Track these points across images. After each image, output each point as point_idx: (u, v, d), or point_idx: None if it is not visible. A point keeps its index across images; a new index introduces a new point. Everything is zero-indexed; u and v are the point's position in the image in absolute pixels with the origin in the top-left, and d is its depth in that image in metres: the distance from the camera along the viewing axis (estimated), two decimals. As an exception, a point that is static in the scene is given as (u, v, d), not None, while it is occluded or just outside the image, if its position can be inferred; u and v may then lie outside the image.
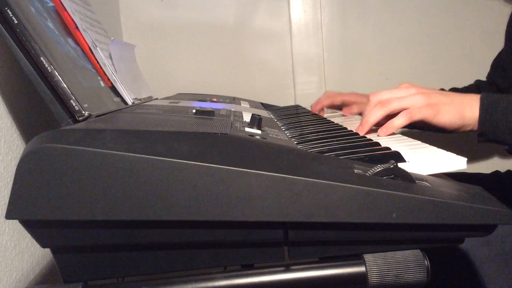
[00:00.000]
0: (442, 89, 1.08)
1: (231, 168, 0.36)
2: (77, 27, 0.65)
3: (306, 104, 1.16)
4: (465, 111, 0.65)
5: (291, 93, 1.41)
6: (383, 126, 0.66)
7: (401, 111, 0.65)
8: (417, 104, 0.64)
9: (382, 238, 0.42)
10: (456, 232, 0.41)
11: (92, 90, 0.60)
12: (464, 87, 1.11)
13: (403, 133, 0.69)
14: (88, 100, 0.53)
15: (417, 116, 0.63)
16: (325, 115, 1.01)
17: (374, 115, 0.66)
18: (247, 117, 0.65)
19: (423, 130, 1.07)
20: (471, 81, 1.12)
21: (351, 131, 0.69)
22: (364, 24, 1.40)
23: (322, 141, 0.61)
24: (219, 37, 1.38)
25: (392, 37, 1.40)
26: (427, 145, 0.58)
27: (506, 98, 0.63)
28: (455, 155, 0.51)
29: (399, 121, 0.64)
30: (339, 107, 1.09)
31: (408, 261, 0.41)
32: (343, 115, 1.03)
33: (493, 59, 1.11)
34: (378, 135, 0.66)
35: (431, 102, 0.64)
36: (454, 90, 1.10)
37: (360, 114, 1.06)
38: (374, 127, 0.68)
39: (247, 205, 0.36)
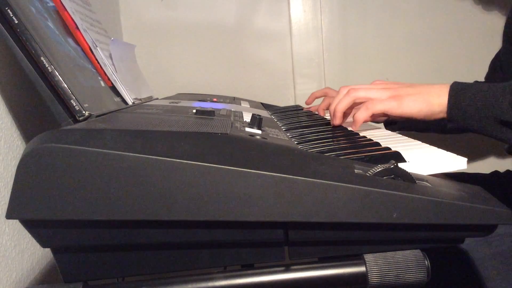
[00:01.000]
0: None
1: (232, 168, 0.36)
2: (77, 27, 0.65)
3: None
4: (432, 98, 0.66)
5: (291, 93, 1.41)
6: (352, 122, 0.68)
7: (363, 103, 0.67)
8: (381, 96, 0.67)
9: (382, 238, 0.42)
10: (456, 232, 0.41)
11: (92, 90, 0.60)
12: None
13: (403, 132, 0.69)
14: (89, 100, 0.53)
15: (378, 107, 0.65)
16: (325, 116, 1.01)
17: (341, 103, 0.69)
18: (247, 117, 0.65)
19: (431, 132, 1.07)
20: (470, 82, 1.12)
21: (351, 131, 0.69)
22: (364, 24, 1.40)
23: (322, 141, 0.61)
24: (219, 37, 1.38)
25: (392, 37, 1.40)
26: (427, 145, 0.58)
27: (475, 85, 0.64)
28: (455, 155, 0.51)
29: (362, 114, 0.66)
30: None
31: (408, 261, 0.41)
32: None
33: (491, 60, 1.11)
34: (353, 130, 0.68)
35: (395, 94, 0.66)
36: None
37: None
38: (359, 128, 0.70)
39: (247, 205, 0.36)
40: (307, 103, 1.15)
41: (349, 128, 0.72)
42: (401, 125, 1.02)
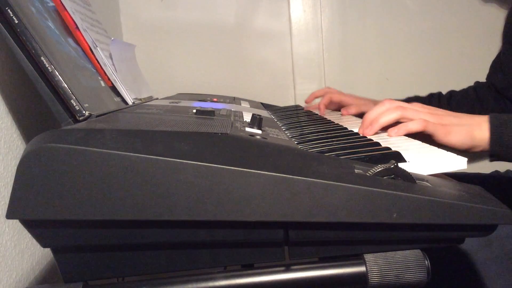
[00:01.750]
0: (450, 92, 1.08)
1: (232, 168, 0.36)
2: (77, 27, 0.65)
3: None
4: (475, 132, 0.66)
5: (291, 93, 1.41)
6: (395, 126, 0.66)
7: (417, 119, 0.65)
8: (432, 120, 0.65)
9: (383, 238, 0.42)
10: (456, 232, 0.41)
11: (92, 90, 0.60)
12: (462, 89, 1.11)
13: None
14: (89, 100, 0.53)
15: (431, 128, 0.64)
16: (325, 115, 1.01)
17: (387, 117, 0.66)
18: (247, 117, 0.65)
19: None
20: (471, 82, 1.12)
21: (351, 131, 0.69)
22: (364, 24, 1.40)
23: (322, 141, 0.61)
24: (219, 37, 1.38)
25: (392, 37, 1.40)
26: (428, 145, 0.58)
27: None
28: (455, 155, 0.51)
29: (415, 125, 0.64)
30: (336, 105, 1.09)
31: (409, 261, 0.41)
32: (342, 115, 1.03)
33: (492, 60, 1.11)
34: (388, 135, 0.66)
35: (443, 122, 0.66)
36: (451, 93, 1.10)
37: (360, 115, 1.07)
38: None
39: (247, 205, 0.36)
40: (306, 102, 1.15)
41: (349, 128, 0.72)
42: None
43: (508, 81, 1.02)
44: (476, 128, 0.66)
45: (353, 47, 1.40)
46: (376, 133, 0.67)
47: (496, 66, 1.08)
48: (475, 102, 1.07)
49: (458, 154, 0.64)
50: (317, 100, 1.14)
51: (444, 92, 1.11)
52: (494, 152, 0.66)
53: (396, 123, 0.66)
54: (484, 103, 1.06)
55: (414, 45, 1.40)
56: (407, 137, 0.65)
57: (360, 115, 1.04)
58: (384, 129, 0.67)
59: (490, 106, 1.05)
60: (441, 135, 0.65)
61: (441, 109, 0.69)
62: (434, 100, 1.09)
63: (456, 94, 1.10)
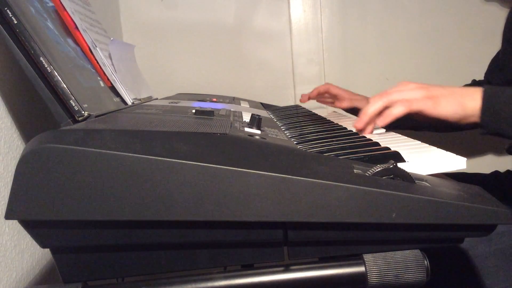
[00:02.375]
0: None
1: (231, 168, 0.36)
2: (76, 27, 0.65)
3: (306, 104, 1.17)
4: (466, 101, 0.64)
5: (291, 93, 1.41)
6: (382, 114, 0.65)
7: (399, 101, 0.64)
8: (417, 96, 0.64)
9: (382, 238, 0.42)
10: (456, 232, 0.41)
11: (91, 90, 0.60)
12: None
13: (403, 132, 0.69)
14: (88, 100, 0.53)
15: (416, 106, 0.63)
16: (325, 115, 1.01)
17: (372, 106, 0.65)
18: (246, 117, 0.65)
19: (429, 131, 1.07)
20: (470, 82, 1.13)
21: (351, 131, 0.69)
22: (364, 24, 1.40)
23: (321, 141, 0.61)
24: (219, 37, 1.38)
25: (392, 37, 1.40)
26: (427, 145, 0.58)
27: (508, 90, 0.63)
28: (454, 155, 0.51)
29: (398, 110, 0.63)
30: (333, 98, 1.10)
31: (408, 261, 0.41)
32: (334, 106, 1.04)
33: (492, 58, 1.11)
34: (377, 124, 0.65)
35: (430, 94, 0.64)
36: None
37: (353, 110, 1.08)
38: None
39: (247, 205, 0.36)
40: (309, 97, 1.14)
41: (349, 128, 0.72)
42: (395, 124, 1.02)
43: (506, 79, 1.02)
44: (468, 97, 0.64)
45: (353, 47, 1.40)
46: (376, 132, 0.67)
47: (495, 64, 1.08)
48: None
49: (450, 124, 0.62)
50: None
51: None
52: (484, 122, 0.63)
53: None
54: None
55: (414, 45, 1.40)
56: (406, 137, 0.65)
57: (356, 112, 1.06)
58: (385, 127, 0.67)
59: None
60: (430, 108, 0.63)
61: (428, 84, 0.67)
62: None
63: None
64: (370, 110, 0.65)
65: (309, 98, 1.13)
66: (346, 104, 1.04)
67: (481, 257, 0.74)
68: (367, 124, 0.66)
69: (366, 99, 1.05)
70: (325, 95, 1.13)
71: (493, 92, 0.63)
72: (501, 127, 0.63)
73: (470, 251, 0.75)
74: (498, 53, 1.08)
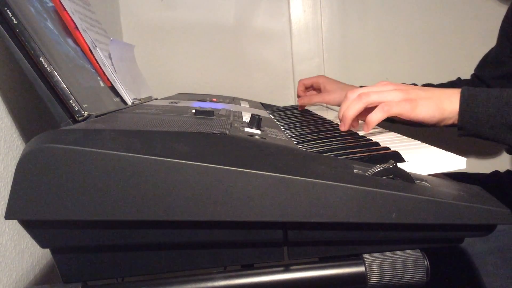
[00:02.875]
0: (427, 85, 1.09)
1: (231, 168, 0.36)
2: (76, 27, 0.65)
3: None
4: (444, 104, 0.64)
5: (291, 93, 1.41)
6: (364, 123, 0.66)
7: (378, 105, 0.64)
8: (395, 99, 0.64)
9: (382, 238, 0.42)
10: (456, 232, 0.41)
11: (91, 90, 0.60)
12: (440, 83, 1.12)
13: (401, 133, 0.69)
14: (88, 100, 0.53)
15: (394, 110, 0.63)
16: (325, 115, 1.01)
17: (352, 109, 0.66)
18: (246, 117, 0.65)
19: (405, 125, 1.08)
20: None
21: (351, 131, 0.69)
22: (364, 24, 1.40)
23: (321, 141, 0.61)
24: (219, 37, 1.38)
25: (392, 37, 1.40)
26: (427, 145, 0.58)
27: (486, 91, 0.63)
28: (454, 155, 0.51)
29: (377, 115, 0.63)
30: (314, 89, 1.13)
31: (408, 261, 0.41)
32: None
33: (486, 53, 1.12)
34: (365, 132, 0.66)
35: (408, 97, 0.64)
36: (428, 85, 1.11)
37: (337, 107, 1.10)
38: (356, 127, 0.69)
39: (247, 205, 0.36)
40: (298, 93, 1.15)
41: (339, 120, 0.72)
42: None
43: (501, 74, 1.03)
44: (446, 100, 0.64)
45: (353, 47, 1.40)
46: (376, 132, 0.67)
47: (487, 59, 1.09)
48: None
49: (427, 127, 0.62)
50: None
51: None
52: (462, 123, 0.64)
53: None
54: None
55: (414, 45, 1.40)
56: (406, 137, 0.65)
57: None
58: (380, 125, 0.67)
59: None
60: (408, 111, 0.63)
61: (408, 85, 0.68)
62: None
63: (433, 86, 1.11)
64: (349, 113, 0.66)
65: (303, 104, 1.14)
66: (305, 101, 1.07)
67: (480, 255, 0.74)
68: (351, 125, 0.68)
69: (345, 90, 1.08)
70: (311, 91, 1.14)
71: (470, 94, 0.63)
72: (479, 130, 0.63)
73: (469, 249, 0.75)
74: (490, 50, 1.09)
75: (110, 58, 0.74)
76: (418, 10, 1.39)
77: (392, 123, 0.90)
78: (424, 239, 0.42)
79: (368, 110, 0.65)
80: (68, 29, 0.64)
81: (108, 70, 0.71)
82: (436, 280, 0.47)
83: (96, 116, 0.52)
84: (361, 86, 0.87)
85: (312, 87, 1.13)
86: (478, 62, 1.13)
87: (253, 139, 0.47)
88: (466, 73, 1.14)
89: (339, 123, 0.79)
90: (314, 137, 0.65)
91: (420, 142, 0.60)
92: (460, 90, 0.65)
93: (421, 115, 0.64)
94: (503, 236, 0.74)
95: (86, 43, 0.66)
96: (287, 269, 0.41)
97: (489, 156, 1.42)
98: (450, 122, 0.65)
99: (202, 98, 0.97)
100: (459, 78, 1.13)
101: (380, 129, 0.73)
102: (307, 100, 1.08)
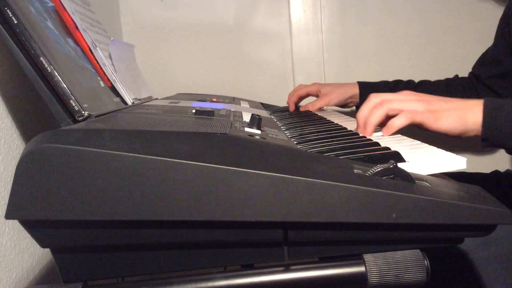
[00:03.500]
0: (423, 81, 1.09)
1: (231, 168, 0.36)
2: (77, 27, 0.65)
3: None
4: (467, 116, 0.64)
5: (291, 93, 1.40)
6: (385, 126, 0.65)
7: (401, 112, 0.64)
8: (418, 109, 0.64)
9: (382, 238, 0.42)
10: (456, 232, 0.41)
11: (92, 90, 0.60)
12: (436, 80, 1.12)
13: (403, 132, 0.69)
14: (88, 100, 0.53)
15: (418, 118, 0.63)
16: (325, 116, 1.01)
17: (375, 116, 0.65)
18: (246, 117, 0.65)
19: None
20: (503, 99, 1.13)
21: (351, 131, 0.69)
22: (364, 24, 1.40)
23: (321, 141, 0.61)
24: (219, 37, 1.38)
25: (392, 37, 1.40)
26: (427, 145, 0.58)
27: (509, 103, 0.63)
28: (454, 155, 0.51)
29: (400, 121, 0.63)
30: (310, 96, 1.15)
31: (408, 261, 0.41)
32: (341, 114, 1.04)
33: (483, 52, 1.12)
34: (382, 135, 0.66)
35: (431, 108, 0.64)
36: (422, 82, 1.12)
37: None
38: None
39: (247, 205, 0.36)
40: (292, 101, 1.16)
41: (349, 128, 0.72)
42: None
43: (498, 73, 1.03)
44: (469, 112, 0.64)
45: (353, 47, 1.40)
46: (378, 133, 0.67)
47: (485, 58, 1.09)
48: (442, 94, 1.08)
49: (451, 139, 0.62)
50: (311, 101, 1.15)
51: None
52: (485, 135, 0.64)
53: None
54: (451, 95, 1.06)
55: (414, 45, 1.40)
56: (406, 137, 0.65)
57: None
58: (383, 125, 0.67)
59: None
60: (430, 122, 0.63)
61: (430, 95, 0.68)
62: (400, 86, 1.09)
63: (426, 83, 1.11)
64: (373, 120, 0.66)
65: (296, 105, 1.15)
66: (335, 98, 1.07)
67: (480, 261, 0.74)
68: (373, 131, 0.67)
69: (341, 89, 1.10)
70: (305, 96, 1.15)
71: (494, 106, 0.63)
72: (503, 141, 0.63)
73: (470, 253, 0.75)
74: (487, 49, 1.09)
75: (110, 58, 0.74)
76: (418, 10, 1.39)
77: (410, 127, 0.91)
78: (424, 239, 0.42)
79: (388, 116, 0.66)
80: (68, 29, 0.64)
81: (108, 70, 0.71)
82: (436, 280, 0.47)
83: (96, 116, 0.52)
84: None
85: (308, 96, 1.16)
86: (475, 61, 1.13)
87: (253, 139, 0.47)
88: (465, 73, 1.14)
89: (339, 123, 0.79)
90: (314, 137, 0.65)
91: (420, 142, 0.60)
92: (483, 101, 0.64)
93: (443, 127, 0.64)
94: (505, 242, 0.74)
95: (86, 43, 0.67)
96: (287, 269, 0.41)
97: (489, 156, 1.42)
98: (473, 134, 0.65)
99: (202, 98, 0.97)
100: (456, 76, 1.13)
101: (380, 129, 0.73)
102: (311, 107, 1.10)
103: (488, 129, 0.63)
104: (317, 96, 1.14)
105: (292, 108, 1.13)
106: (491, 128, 0.63)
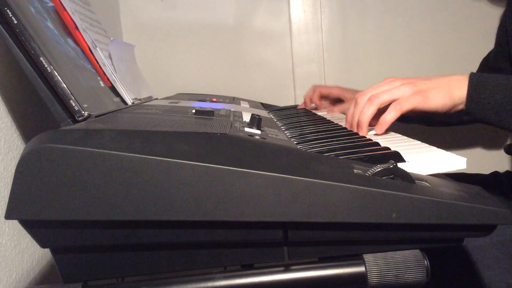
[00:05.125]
0: None
1: (231, 168, 0.36)
2: (76, 27, 0.65)
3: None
4: (454, 91, 0.65)
5: (291, 93, 1.41)
6: (377, 123, 0.66)
7: (390, 103, 0.65)
8: (405, 94, 0.64)
9: (382, 238, 0.42)
10: (456, 232, 0.41)
11: (91, 90, 0.60)
12: None
13: (403, 132, 0.69)
14: (88, 100, 0.53)
15: (407, 105, 0.64)
16: (325, 116, 1.01)
17: (366, 113, 0.66)
18: (246, 117, 0.65)
19: (416, 123, 1.07)
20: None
21: (351, 131, 0.69)
22: (364, 24, 1.40)
23: (321, 141, 0.61)
24: (219, 37, 1.38)
25: (392, 37, 1.40)
26: (427, 145, 0.58)
27: (494, 77, 0.64)
28: (454, 155, 0.51)
29: (390, 115, 0.64)
30: (329, 99, 1.14)
31: (408, 261, 0.41)
32: (340, 114, 1.04)
33: (483, 57, 1.12)
34: (376, 133, 0.66)
35: (418, 89, 0.65)
36: None
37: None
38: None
39: (247, 205, 0.36)
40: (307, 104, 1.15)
41: (349, 128, 0.72)
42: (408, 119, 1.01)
43: None
44: (455, 87, 0.65)
45: (353, 47, 1.40)
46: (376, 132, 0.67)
47: (486, 64, 1.09)
48: None
49: (441, 113, 0.63)
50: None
51: None
52: (469, 109, 0.64)
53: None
54: None
55: (414, 45, 1.40)
56: (406, 137, 0.65)
57: None
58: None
59: None
60: (420, 103, 0.64)
61: (414, 77, 0.68)
62: None
63: None
64: (365, 118, 0.66)
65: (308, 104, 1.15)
66: (337, 110, 1.07)
67: (481, 249, 0.74)
68: (367, 129, 0.67)
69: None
70: (321, 101, 1.14)
71: (479, 80, 0.64)
72: (484, 115, 0.64)
73: (470, 243, 0.75)
74: (489, 53, 1.09)
75: (110, 58, 0.74)
76: (417, 10, 1.39)
77: (408, 123, 0.90)
78: (424, 239, 0.42)
79: (379, 110, 0.66)
80: (68, 29, 0.64)
81: (108, 70, 0.71)
82: (436, 280, 0.47)
83: (96, 116, 0.52)
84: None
85: (326, 97, 1.14)
86: (477, 66, 1.13)
87: (253, 139, 0.47)
88: (465, 73, 1.14)
89: (338, 123, 0.79)
90: (314, 137, 0.65)
91: (420, 142, 0.60)
92: (469, 75, 0.65)
93: (433, 105, 0.64)
94: (505, 230, 0.74)
95: (86, 43, 0.66)
96: (287, 269, 0.41)
97: (489, 156, 1.42)
98: (460, 107, 0.66)
99: (202, 98, 0.97)
100: None
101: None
102: (330, 111, 1.09)
103: (472, 103, 0.64)
104: (337, 99, 1.12)
105: (308, 106, 1.12)
106: (475, 102, 0.64)
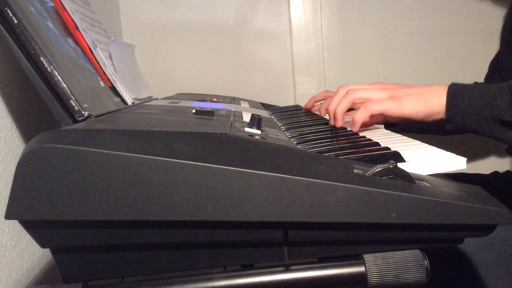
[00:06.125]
0: None
1: (231, 168, 0.36)
2: (77, 27, 0.65)
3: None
4: (431, 99, 0.66)
5: (291, 93, 1.41)
6: (351, 122, 0.68)
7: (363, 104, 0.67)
8: (380, 96, 0.67)
9: (382, 238, 0.42)
10: (456, 232, 0.41)
11: (92, 90, 0.60)
12: None
13: (402, 134, 0.69)
14: (88, 100, 0.54)
15: (377, 107, 0.66)
16: (325, 115, 1.01)
17: (341, 105, 0.69)
18: (246, 117, 0.65)
19: (409, 132, 1.08)
20: (470, 82, 1.13)
21: (351, 131, 0.69)
22: (364, 24, 1.40)
23: (321, 141, 0.61)
24: (219, 37, 1.38)
25: (392, 37, 1.40)
26: (427, 145, 0.58)
27: (473, 85, 0.65)
28: (454, 155, 0.51)
29: (360, 114, 0.66)
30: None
31: (408, 261, 0.41)
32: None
33: (491, 60, 1.11)
34: (353, 131, 0.68)
35: (393, 94, 0.67)
36: None
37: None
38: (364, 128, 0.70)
39: (247, 205, 0.36)
40: (307, 107, 1.15)
41: (349, 128, 0.72)
42: (401, 127, 1.03)
43: (505, 80, 1.02)
44: (432, 95, 0.66)
45: (353, 47, 1.40)
46: (379, 133, 0.67)
47: (495, 66, 1.08)
48: None
49: (417, 120, 0.65)
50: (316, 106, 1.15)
51: None
52: (450, 117, 0.65)
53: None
54: None
55: (414, 45, 1.40)
56: (406, 137, 0.65)
57: None
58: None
59: None
60: (392, 108, 0.65)
61: (398, 84, 0.70)
62: None
63: None
64: (340, 109, 0.70)
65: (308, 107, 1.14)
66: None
67: (481, 249, 0.74)
68: (342, 121, 0.71)
69: None
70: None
71: (457, 88, 0.65)
72: (465, 123, 0.65)
73: (470, 252, 0.75)
74: (497, 55, 1.09)
75: (110, 58, 0.74)
76: (417, 10, 1.39)
77: (407, 133, 0.91)
78: (424, 239, 0.42)
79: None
80: (69, 29, 0.64)
81: (108, 70, 0.71)
82: (436, 280, 0.47)
83: (96, 116, 0.52)
84: None
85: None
86: (478, 66, 1.13)
87: (253, 139, 0.47)
88: (466, 73, 1.14)
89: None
90: (314, 137, 0.65)
91: (420, 142, 0.60)
92: (448, 85, 0.66)
93: (406, 111, 0.66)
94: (508, 245, 0.74)
95: (87, 43, 0.67)
96: (287, 269, 0.41)
97: (489, 156, 1.42)
98: (438, 116, 0.67)
99: (202, 98, 0.97)
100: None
101: (381, 129, 0.73)
102: (316, 109, 1.09)
103: (451, 110, 0.65)
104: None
105: (310, 107, 1.13)
106: (454, 110, 0.65)
